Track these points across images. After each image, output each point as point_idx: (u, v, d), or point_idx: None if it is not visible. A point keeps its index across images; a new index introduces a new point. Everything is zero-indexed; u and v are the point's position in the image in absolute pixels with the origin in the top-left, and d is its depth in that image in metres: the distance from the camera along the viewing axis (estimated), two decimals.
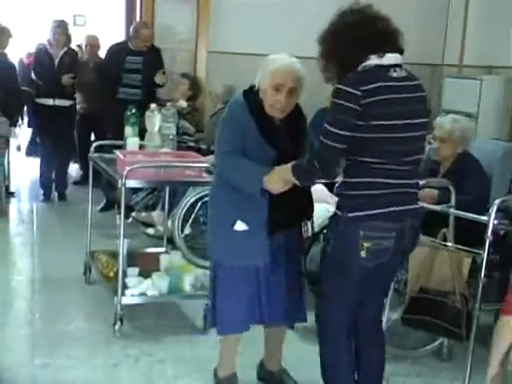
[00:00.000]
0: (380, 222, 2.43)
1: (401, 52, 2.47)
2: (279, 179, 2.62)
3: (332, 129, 2.39)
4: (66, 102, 6.26)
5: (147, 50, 5.86)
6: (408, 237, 2.52)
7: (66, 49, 6.23)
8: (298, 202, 2.77)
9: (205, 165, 3.73)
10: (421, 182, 3.38)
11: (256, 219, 2.77)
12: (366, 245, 2.43)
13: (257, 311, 2.91)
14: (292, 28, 6.05)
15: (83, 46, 7.02)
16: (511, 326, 2.59)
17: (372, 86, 2.35)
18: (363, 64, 2.42)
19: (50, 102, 6.17)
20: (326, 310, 2.64)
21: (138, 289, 3.65)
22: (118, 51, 5.95)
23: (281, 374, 3.15)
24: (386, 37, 2.43)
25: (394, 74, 2.41)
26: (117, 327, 3.57)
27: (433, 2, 6.53)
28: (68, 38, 6.25)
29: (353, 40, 2.43)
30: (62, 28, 6.19)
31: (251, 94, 2.81)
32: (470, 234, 3.21)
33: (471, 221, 3.16)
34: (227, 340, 3.04)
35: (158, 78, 5.68)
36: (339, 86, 2.39)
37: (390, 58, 2.42)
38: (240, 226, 2.82)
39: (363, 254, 2.43)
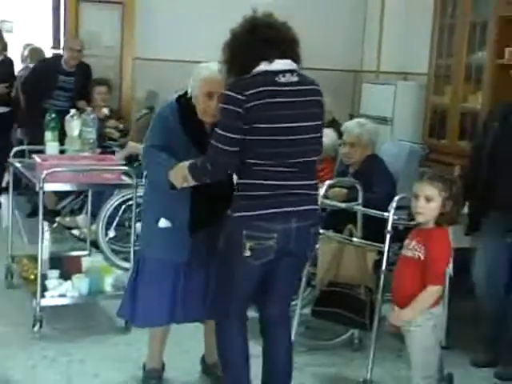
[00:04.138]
0: (262, 222, 2.49)
1: (295, 59, 2.56)
2: (178, 174, 2.70)
3: (222, 132, 2.48)
4: (3, 109, 6.11)
5: (78, 68, 5.86)
6: (295, 238, 2.55)
7: (1, 57, 6.11)
8: (222, 201, 2.78)
9: (123, 168, 3.78)
10: (329, 182, 3.58)
11: (179, 218, 2.87)
12: (249, 244, 2.50)
13: (172, 308, 3.00)
14: (216, 35, 6.13)
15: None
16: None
17: (255, 90, 2.44)
18: (254, 70, 2.51)
19: None
20: (219, 302, 2.73)
21: (57, 291, 3.69)
22: (50, 69, 5.89)
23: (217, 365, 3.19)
24: (277, 44, 2.51)
25: (282, 80, 2.49)
26: (36, 329, 3.60)
27: (351, 14, 6.83)
28: (3, 46, 6.14)
29: (245, 47, 2.53)
30: None
31: (184, 99, 2.92)
32: (377, 230, 3.37)
33: (378, 217, 3.31)
34: (153, 334, 3.15)
35: (81, 104, 5.63)
36: (225, 92, 2.50)
37: (280, 64, 2.51)
38: (163, 223, 2.93)
39: (247, 253, 2.51)
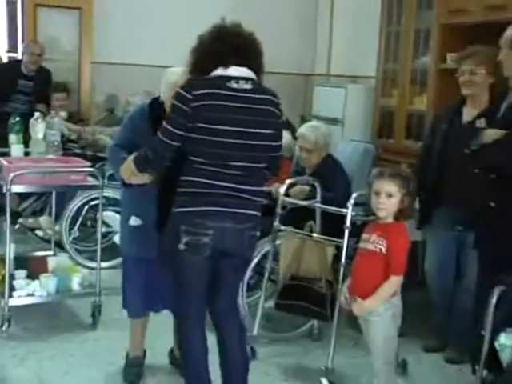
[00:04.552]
0: (199, 219, 2.53)
1: (254, 69, 2.57)
2: (126, 169, 2.74)
3: (167, 126, 2.53)
4: None
5: (38, 73, 5.78)
6: (230, 238, 2.57)
7: None
8: None
9: (89, 169, 3.77)
10: (289, 181, 3.63)
11: (148, 215, 2.91)
12: (185, 239, 2.53)
13: (148, 299, 3.11)
14: (172, 40, 6.17)
15: None
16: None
17: (203, 91, 2.48)
18: (211, 74, 2.55)
19: None
20: (176, 299, 2.76)
21: (25, 290, 3.65)
22: (9, 73, 5.81)
23: None
24: (239, 53, 2.53)
25: (234, 85, 2.51)
26: (4, 328, 3.55)
27: (303, 21, 6.92)
28: None
29: (209, 53, 2.56)
30: None
31: (156, 103, 2.97)
32: (335, 226, 3.44)
33: (337, 214, 3.38)
34: (133, 324, 3.24)
35: (40, 107, 5.56)
36: (177, 90, 2.55)
37: (235, 71, 2.53)
38: (134, 221, 3.00)
39: (181, 246, 2.54)
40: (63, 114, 5.57)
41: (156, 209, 2.88)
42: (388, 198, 2.75)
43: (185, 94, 2.50)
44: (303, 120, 6.48)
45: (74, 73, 6.31)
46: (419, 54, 5.24)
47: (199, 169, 2.53)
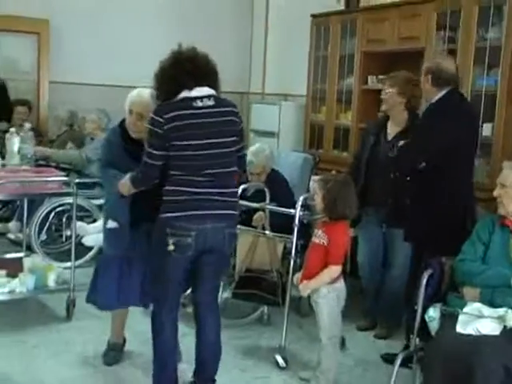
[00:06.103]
0: (182, 222, 2.66)
1: (212, 86, 2.72)
2: (124, 184, 2.90)
3: (149, 149, 2.68)
4: None
5: None
6: (211, 237, 2.70)
7: None
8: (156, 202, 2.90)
9: (64, 178, 3.86)
10: (243, 186, 3.81)
11: (122, 219, 3.05)
12: (171, 240, 2.66)
13: (122, 294, 3.19)
14: (122, 62, 6.31)
15: None
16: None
17: (173, 113, 2.62)
18: (178, 96, 2.68)
19: None
20: (154, 289, 2.88)
21: (7, 287, 3.69)
22: None
23: None
24: (195, 75, 2.67)
25: (199, 104, 2.65)
26: None
27: (240, 45, 7.15)
28: None
29: (169, 78, 2.69)
30: None
31: (125, 122, 3.09)
32: (284, 226, 3.66)
33: (285, 215, 3.60)
34: (113, 314, 3.35)
35: (1, 125, 5.58)
36: (151, 115, 2.69)
37: (198, 92, 2.67)
38: (111, 224, 3.13)
39: (171, 247, 2.67)
40: (28, 125, 5.59)
41: (129, 210, 3.02)
42: (317, 196, 3.07)
43: (157, 118, 2.63)
44: None
45: (32, 92, 6.33)
46: (344, 76, 5.57)
47: (179, 179, 2.68)
